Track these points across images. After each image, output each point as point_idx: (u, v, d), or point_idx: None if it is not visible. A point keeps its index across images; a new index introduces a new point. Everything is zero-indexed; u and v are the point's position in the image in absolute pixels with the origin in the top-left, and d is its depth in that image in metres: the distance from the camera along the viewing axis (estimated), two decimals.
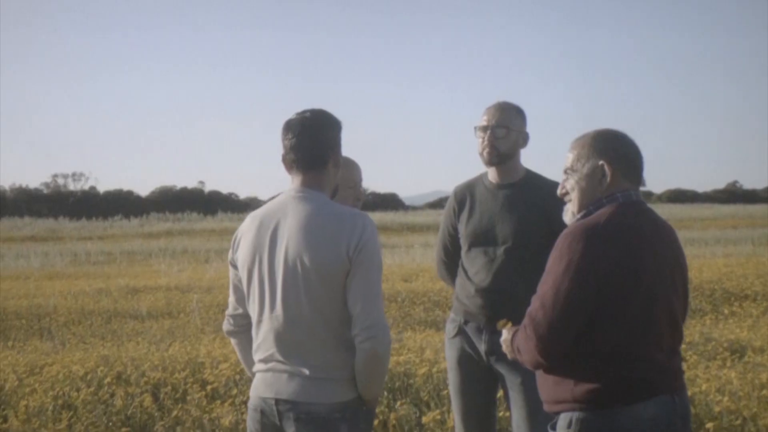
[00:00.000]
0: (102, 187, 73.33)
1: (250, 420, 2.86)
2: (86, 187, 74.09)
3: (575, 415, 2.67)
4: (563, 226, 3.43)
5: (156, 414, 5.64)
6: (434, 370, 6.22)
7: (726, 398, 5.47)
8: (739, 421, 5.13)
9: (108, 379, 6.31)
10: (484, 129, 3.76)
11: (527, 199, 3.75)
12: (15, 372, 6.72)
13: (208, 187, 75.31)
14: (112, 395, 5.97)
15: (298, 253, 2.71)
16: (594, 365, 2.65)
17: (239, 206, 68.51)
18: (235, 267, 2.93)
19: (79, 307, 12.63)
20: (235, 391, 5.99)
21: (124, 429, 5.28)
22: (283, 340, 2.76)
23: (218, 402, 5.77)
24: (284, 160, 2.86)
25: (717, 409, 5.29)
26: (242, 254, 2.87)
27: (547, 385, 2.78)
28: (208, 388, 6.10)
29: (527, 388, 3.64)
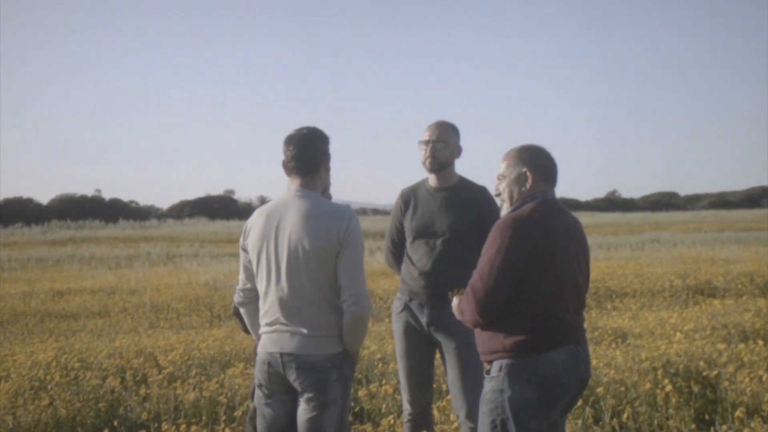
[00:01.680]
0: (0, 195, 71.26)
1: (258, 371, 3.59)
2: None
3: (505, 361, 3.48)
4: (489, 221, 4.30)
5: (124, 393, 6.22)
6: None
7: (612, 371, 6.41)
8: (623, 389, 6.05)
9: (73, 365, 6.82)
10: (426, 143, 4.56)
11: (460, 200, 4.57)
12: None
13: (107, 195, 74.03)
14: (77, 379, 6.50)
15: (300, 239, 3.46)
16: (519, 323, 3.45)
17: (140, 214, 67.64)
18: (245, 251, 3.65)
19: (9, 308, 12.85)
20: (194, 372, 6.62)
21: (101, 404, 5.86)
22: (286, 306, 3.49)
23: (179, 382, 6.38)
24: (285, 166, 3.61)
25: (605, 380, 6.20)
26: (252, 241, 3.59)
27: (483, 340, 3.58)
28: (165, 372, 6.70)
29: (460, 352, 4.47)
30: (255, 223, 3.63)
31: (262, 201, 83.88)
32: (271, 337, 3.55)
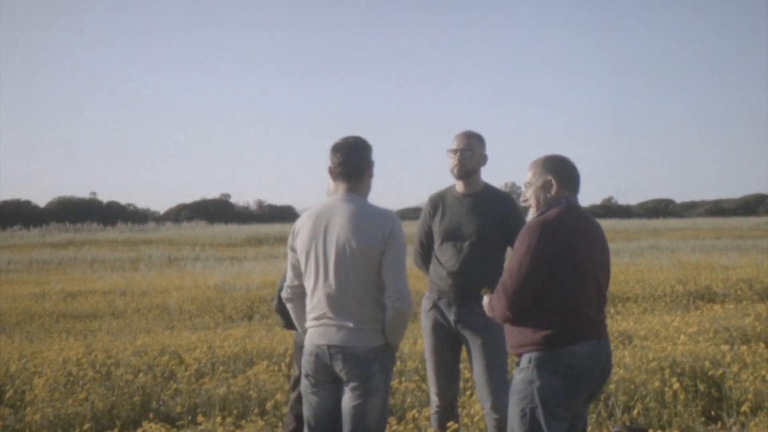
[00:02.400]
0: None
1: (306, 362, 3.90)
2: None
3: (533, 354, 3.79)
4: (513, 225, 4.64)
5: (155, 388, 6.52)
6: None
7: (622, 370, 6.73)
8: (633, 386, 6.37)
9: (104, 362, 7.12)
10: (455, 152, 4.89)
11: (486, 205, 4.90)
12: (18, 358, 7.47)
13: (102, 198, 74.16)
14: (109, 374, 6.81)
15: (347, 239, 3.78)
16: (546, 319, 3.77)
17: (138, 217, 67.85)
18: (294, 251, 3.97)
19: (22, 308, 13.14)
20: (220, 369, 6.92)
21: (135, 398, 6.16)
22: (333, 302, 3.81)
23: (207, 378, 6.68)
24: (332, 172, 3.93)
25: (615, 378, 6.52)
26: (301, 241, 3.91)
27: (513, 334, 3.90)
28: (192, 368, 7.00)
29: (485, 348, 4.79)
30: (303, 225, 3.95)
31: (260, 205, 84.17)
32: (318, 330, 3.86)
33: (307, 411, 3.93)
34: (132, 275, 20.57)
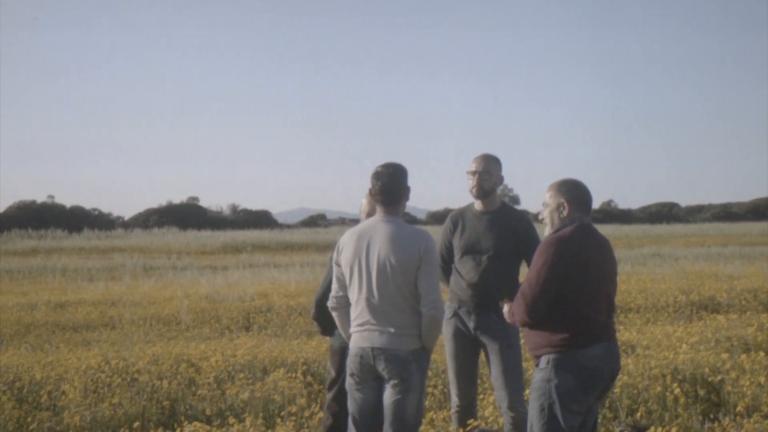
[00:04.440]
0: None
1: (351, 363, 4.81)
2: None
3: (551, 356, 4.70)
4: (527, 241, 5.58)
5: (180, 393, 7.41)
6: None
7: (625, 377, 7.65)
8: (635, 391, 7.30)
9: (128, 369, 8.01)
10: (473, 173, 5.81)
11: (502, 222, 5.82)
12: (40, 366, 8.35)
13: (59, 201, 74.36)
14: (135, 381, 7.70)
15: (387, 255, 4.69)
16: (561, 324, 4.68)
17: (105, 223, 68.32)
18: (338, 265, 4.87)
19: (15, 319, 13.98)
20: (241, 375, 7.81)
21: (164, 402, 7.05)
22: (375, 310, 4.72)
23: (229, 384, 7.58)
24: (373, 196, 4.83)
25: (619, 383, 7.44)
26: (345, 257, 4.82)
27: (531, 338, 4.81)
28: (211, 375, 7.89)
29: (502, 353, 5.71)
30: (347, 242, 4.86)
31: (234, 210, 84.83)
32: (363, 334, 4.77)
33: (352, 406, 4.84)
34: (115, 285, 21.36)
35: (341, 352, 5.58)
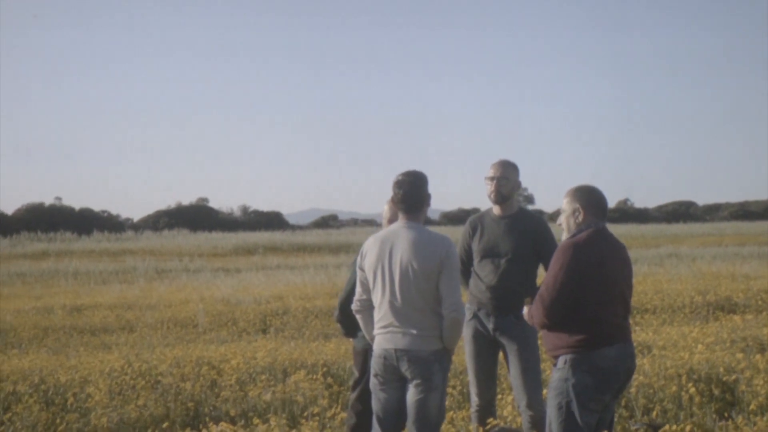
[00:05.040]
0: None
1: (375, 363, 5.07)
2: None
3: (569, 356, 4.95)
4: (544, 244, 5.84)
5: (203, 395, 7.69)
6: None
7: (641, 376, 7.90)
8: (651, 391, 7.55)
9: (151, 372, 8.31)
10: (492, 179, 6.06)
11: (520, 226, 6.08)
12: (64, 369, 8.66)
13: (67, 202, 74.78)
14: (159, 383, 7.99)
15: (409, 260, 4.96)
16: (578, 325, 4.93)
17: (115, 225, 68.79)
18: (362, 270, 5.14)
19: (32, 323, 14.32)
20: (263, 377, 8.10)
21: (189, 403, 7.33)
22: (398, 312, 4.99)
23: (251, 386, 7.86)
24: (395, 203, 5.09)
25: (635, 383, 7.69)
26: (368, 262, 5.09)
27: (549, 339, 5.06)
28: (233, 377, 8.17)
29: (521, 353, 5.97)
30: (371, 248, 5.13)
31: (245, 212, 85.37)
32: (386, 336, 5.04)
33: (376, 405, 5.11)
34: (128, 288, 21.71)
35: (364, 354, 5.87)
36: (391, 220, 5.62)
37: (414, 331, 4.98)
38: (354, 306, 5.27)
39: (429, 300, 4.99)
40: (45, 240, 52.90)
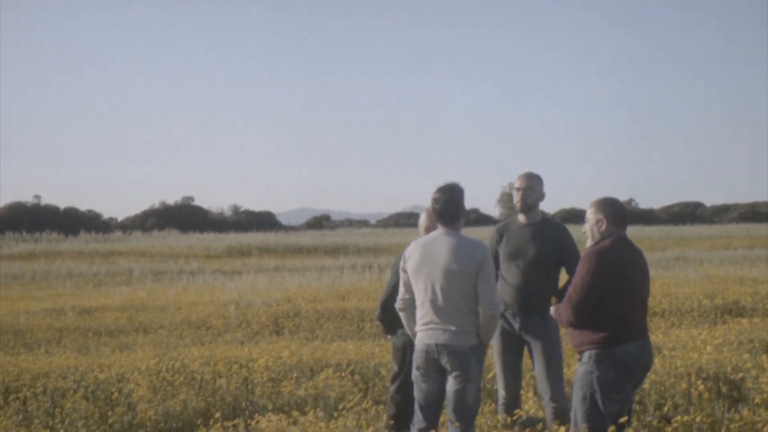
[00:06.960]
0: None
1: (417, 357, 5.91)
2: None
3: (593, 351, 5.79)
4: (566, 250, 6.69)
5: (237, 391, 8.52)
6: None
7: (653, 375, 8.73)
8: (663, 388, 8.38)
9: (191, 369, 9.16)
10: (518, 189, 6.91)
11: (544, 233, 6.93)
12: (99, 367, 9.51)
13: (45, 201, 75.06)
14: (196, 380, 8.83)
15: (450, 264, 5.80)
16: (602, 324, 5.76)
17: (101, 225, 69.35)
18: (405, 272, 5.98)
19: (46, 325, 15.13)
20: (294, 374, 8.94)
21: (228, 399, 8.16)
22: (439, 310, 5.83)
23: (284, 382, 8.69)
24: (435, 214, 5.93)
25: (647, 381, 8.51)
26: (411, 265, 5.93)
27: (575, 336, 5.90)
28: (264, 375, 9.00)
29: (545, 350, 6.81)
30: (413, 252, 5.97)
31: (236, 212, 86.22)
32: (427, 333, 5.88)
33: (418, 395, 5.95)
34: (129, 290, 22.53)
35: (403, 349, 6.72)
36: (429, 228, 6.44)
37: (453, 328, 5.81)
38: (398, 304, 6.10)
39: (467, 299, 5.82)
40: (30, 240, 53.40)
